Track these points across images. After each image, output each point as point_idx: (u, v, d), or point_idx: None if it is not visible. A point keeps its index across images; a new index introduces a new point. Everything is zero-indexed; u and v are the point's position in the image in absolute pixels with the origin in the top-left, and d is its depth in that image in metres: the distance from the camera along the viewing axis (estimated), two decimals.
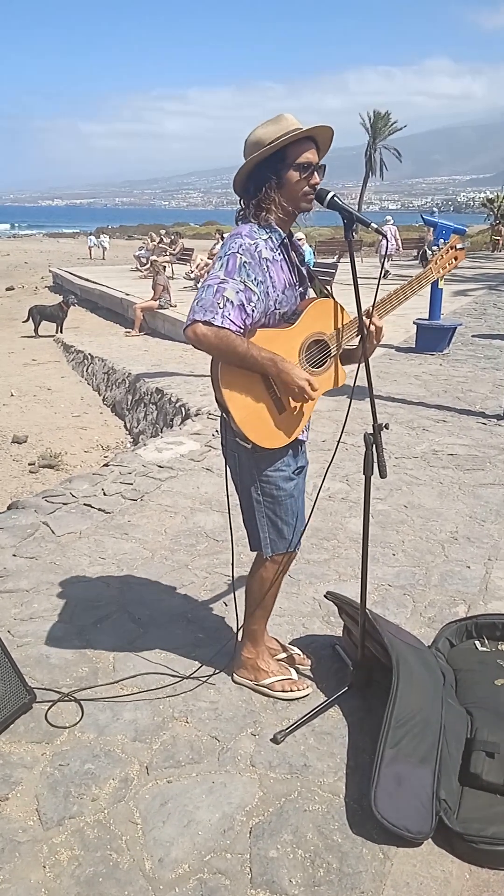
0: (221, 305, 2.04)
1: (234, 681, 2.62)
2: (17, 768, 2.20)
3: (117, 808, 2.07)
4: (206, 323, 2.04)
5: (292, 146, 2.09)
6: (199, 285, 2.16)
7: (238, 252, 2.09)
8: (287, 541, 2.42)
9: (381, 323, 2.29)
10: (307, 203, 2.17)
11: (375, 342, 2.30)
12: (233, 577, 2.81)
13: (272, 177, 2.12)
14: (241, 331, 2.08)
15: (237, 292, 2.06)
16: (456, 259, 2.47)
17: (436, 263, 2.46)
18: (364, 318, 2.24)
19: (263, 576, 2.47)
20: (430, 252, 18.30)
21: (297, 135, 2.08)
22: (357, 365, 2.31)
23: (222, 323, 2.03)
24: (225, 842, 1.96)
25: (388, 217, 20.34)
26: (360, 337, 2.28)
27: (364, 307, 2.24)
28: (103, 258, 32.22)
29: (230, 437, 2.30)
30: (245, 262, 2.08)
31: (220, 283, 2.06)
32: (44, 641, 2.86)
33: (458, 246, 2.44)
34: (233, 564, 2.74)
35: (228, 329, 2.04)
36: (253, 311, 2.09)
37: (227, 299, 2.05)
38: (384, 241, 19.46)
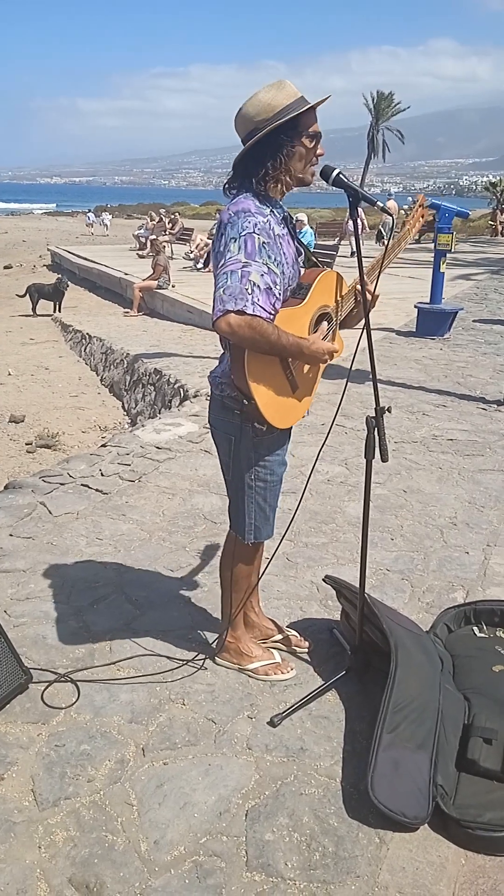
0: (250, 291, 1.92)
1: (216, 663, 2.60)
2: (13, 748, 2.19)
3: (113, 789, 2.06)
4: (238, 312, 1.92)
5: (305, 114, 2.03)
6: (216, 271, 2.10)
7: (255, 232, 1.98)
8: (270, 527, 2.41)
9: (377, 292, 2.33)
10: (311, 176, 2.13)
11: (372, 307, 2.32)
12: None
13: (288, 144, 2.04)
14: (272, 317, 1.99)
15: (262, 275, 1.96)
16: (423, 217, 2.52)
17: (409, 223, 2.52)
18: (361, 288, 2.25)
19: (238, 561, 2.42)
20: (385, 231, 18.93)
21: (317, 103, 2.03)
22: (356, 344, 2.30)
23: (254, 311, 1.92)
24: (221, 824, 1.95)
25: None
26: (360, 305, 2.30)
27: (356, 279, 2.25)
28: (106, 234, 32.35)
29: (232, 420, 2.24)
30: (264, 242, 1.99)
31: (244, 267, 1.94)
32: (40, 622, 2.85)
33: (425, 204, 2.52)
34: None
35: (260, 316, 1.94)
36: (279, 293, 2.03)
37: (254, 284, 1.94)
38: (349, 222, 20.12)
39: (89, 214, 38.68)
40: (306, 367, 2.21)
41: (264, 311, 1.96)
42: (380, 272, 2.35)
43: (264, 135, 2.01)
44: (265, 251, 1.99)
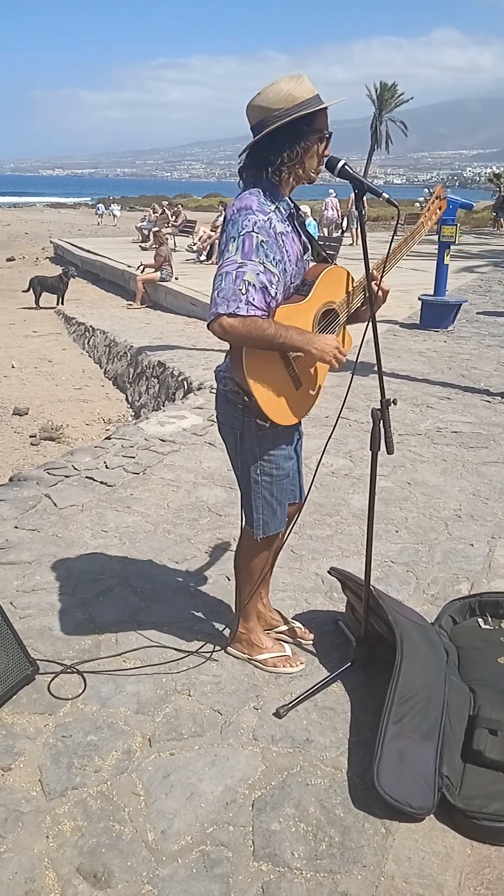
0: (244, 292, 1.94)
1: (227, 652, 2.61)
2: (20, 739, 2.21)
3: (120, 779, 2.07)
4: (231, 315, 1.94)
5: (322, 114, 2.02)
6: (218, 267, 2.09)
7: (253, 231, 1.98)
8: (278, 521, 2.41)
9: (386, 286, 2.29)
10: (317, 173, 2.13)
11: (381, 303, 2.30)
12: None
13: (306, 136, 2.02)
14: (266, 314, 2.00)
15: (257, 274, 1.96)
16: (440, 209, 2.47)
17: (425, 216, 2.46)
18: (367, 282, 2.22)
19: (252, 554, 2.45)
20: (353, 221, 19.61)
21: (332, 103, 2.01)
22: (362, 336, 2.28)
23: (248, 311, 1.94)
24: (227, 814, 1.96)
25: (331, 190, 21.51)
26: (367, 301, 2.26)
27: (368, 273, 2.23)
28: (115, 225, 33.80)
29: (235, 414, 2.24)
30: (262, 241, 1.98)
31: (239, 267, 1.95)
32: (46, 613, 2.86)
33: (442, 196, 2.46)
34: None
35: (255, 316, 1.95)
36: (276, 292, 2.02)
37: (249, 283, 1.95)
38: (326, 212, 21.08)
39: (99, 206, 39.82)
40: (309, 363, 2.19)
41: (259, 309, 1.96)
42: (391, 266, 2.31)
43: (285, 123, 1.98)
44: (263, 249, 1.99)
